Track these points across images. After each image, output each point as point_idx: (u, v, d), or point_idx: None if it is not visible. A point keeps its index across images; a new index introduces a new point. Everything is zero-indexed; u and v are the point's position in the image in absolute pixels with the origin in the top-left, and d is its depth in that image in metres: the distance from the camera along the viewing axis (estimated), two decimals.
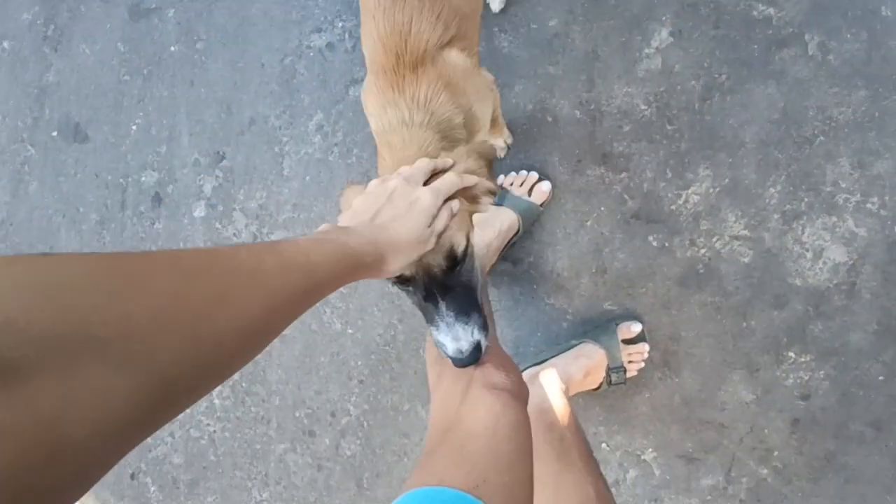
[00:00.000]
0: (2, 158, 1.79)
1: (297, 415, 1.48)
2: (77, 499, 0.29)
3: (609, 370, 1.19)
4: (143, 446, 1.61)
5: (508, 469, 0.56)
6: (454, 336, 0.68)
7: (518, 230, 1.25)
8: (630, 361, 1.21)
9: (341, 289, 1.43)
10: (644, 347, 1.20)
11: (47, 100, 1.73)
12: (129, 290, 0.32)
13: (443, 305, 0.69)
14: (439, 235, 0.67)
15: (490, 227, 1.25)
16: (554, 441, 0.90)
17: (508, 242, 1.27)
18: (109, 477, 1.63)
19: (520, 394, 0.66)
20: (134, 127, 1.65)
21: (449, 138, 0.83)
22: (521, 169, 1.29)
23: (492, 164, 0.81)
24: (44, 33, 1.73)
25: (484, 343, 0.70)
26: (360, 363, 1.43)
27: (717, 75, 1.20)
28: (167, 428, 1.59)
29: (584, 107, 1.28)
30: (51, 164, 1.73)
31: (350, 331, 1.44)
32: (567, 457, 0.87)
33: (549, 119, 1.29)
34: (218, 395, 1.54)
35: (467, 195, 0.73)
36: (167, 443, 1.58)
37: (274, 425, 1.49)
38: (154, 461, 1.59)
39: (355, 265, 0.54)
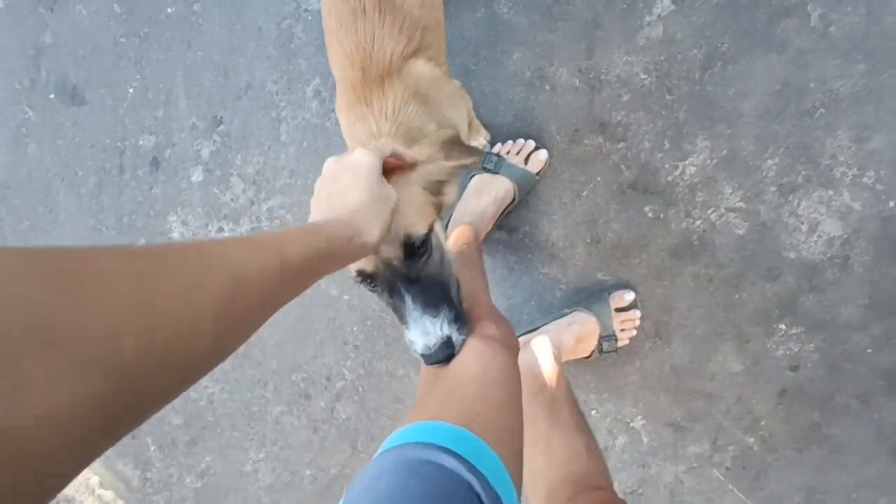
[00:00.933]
0: (0, 120, 1.80)
1: (294, 378, 1.52)
2: None
3: (601, 338, 1.21)
4: None
5: (499, 410, 0.58)
6: (423, 330, 0.65)
7: (514, 199, 1.27)
8: (622, 329, 1.23)
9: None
10: (636, 314, 1.23)
11: (44, 61, 1.73)
12: (80, 280, 0.29)
13: (408, 299, 0.67)
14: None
15: (485, 195, 1.26)
16: (545, 402, 0.93)
17: (504, 211, 1.28)
18: None
19: (510, 344, 0.68)
20: (131, 90, 1.66)
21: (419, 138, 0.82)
22: (518, 137, 1.30)
23: (459, 142, 0.79)
24: None
25: (457, 337, 0.66)
26: (355, 329, 1.46)
27: (718, 45, 1.19)
28: None
29: (584, 75, 1.27)
30: (49, 127, 1.74)
31: (346, 297, 1.47)
32: (558, 415, 0.90)
33: (548, 87, 1.29)
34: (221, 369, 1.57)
35: (431, 187, 0.73)
36: None
37: (271, 388, 1.53)
38: (153, 421, 1.64)
39: (330, 246, 0.53)
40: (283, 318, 1.51)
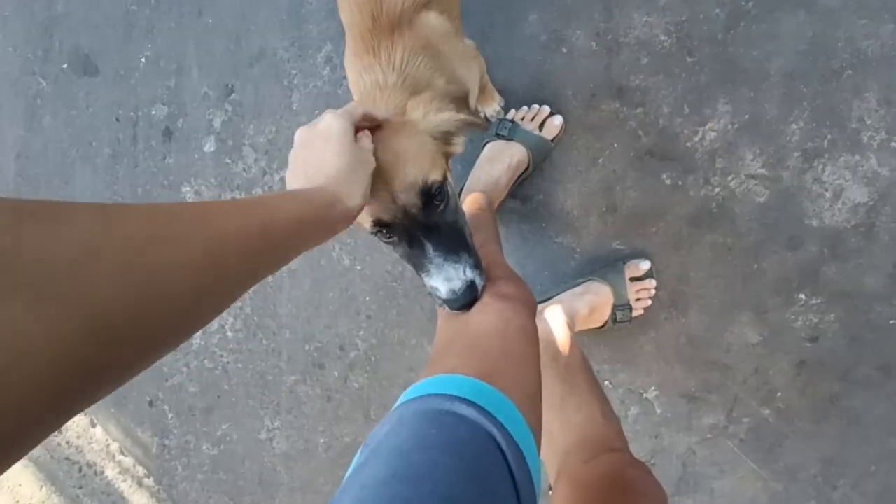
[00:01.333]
0: (15, 90, 1.81)
1: (307, 348, 1.53)
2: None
3: (615, 308, 1.20)
4: (159, 375, 1.69)
5: (519, 366, 0.58)
6: (446, 276, 0.66)
7: (528, 166, 1.25)
8: (637, 299, 1.22)
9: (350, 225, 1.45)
10: (651, 284, 1.21)
11: (56, 31, 1.73)
12: (47, 226, 0.29)
13: (429, 247, 0.67)
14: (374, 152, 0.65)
15: (499, 163, 1.24)
16: (559, 369, 0.93)
17: (518, 179, 1.26)
18: (129, 405, 1.72)
19: (528, 303, 0.68)
20: (143, 59, 1.66)
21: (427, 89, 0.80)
22: (533, 103, 1.27)
23: (466, 102, 0.78)
24: None
25: (479, 282, 0.67)
26: (368, 299, 1.47)
27: (743, 2, 1.15)
28: (182, 359, 1.66)
29: (601, 38, 1.24)
30: (63, 98, 1.75)
31: (358, 267, 1.47)
32: (573, 381, 0.90)
33: (564, 50, 1.26)
34: (231, 328, 1.60)
35: (440, 136, 0.71)
36: (182, 373, 1.66)
37: (285, 358, 1.55)
38: (171, 389, 1.68)
39: (312, 212, 0.53)
40: (296, 288, 1.52)
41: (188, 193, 1.64)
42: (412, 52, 0.80)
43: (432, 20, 0.85)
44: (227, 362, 1.61)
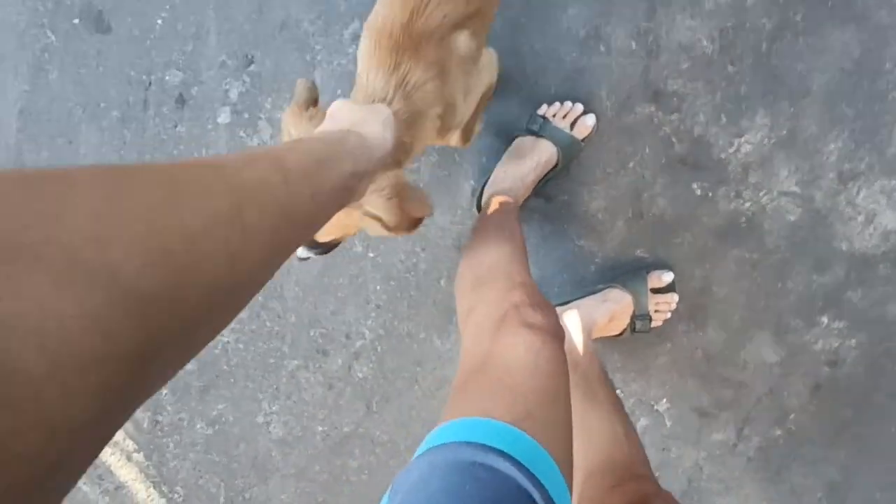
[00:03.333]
0: (21, 42, 1.80)
1: (312, 333, 1.55)
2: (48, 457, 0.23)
3: (634, 317, 1.22)
4: None
5: (551, 404, 0.58)
6: None
7: (556, 164, 1.26)
8: (657, 311, 1.24)
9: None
10: (673, 298, 1.23)
11: None
12: (59, 195, 0.27)
13: None
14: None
15: (527, 160, 1.25)
16: (579, 381, 0.94)
17: (544, 177, 1.28)
18: None
19: (557, 334, 0.68)
20: (159, 21, 1.65)
21: (412, 128, 0.81)
22: (566, 100, 1.28)
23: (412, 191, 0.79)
24: None
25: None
26: (378, 288, 1.48)
27: (791, 14, 1.16)
28: None
29: (642, 38, 1.25)
30: (72, 54, 1.74)
31: (371, 255, 1.48)
32: (593, 396, 0.91)
33: (602, 48, 1.27)
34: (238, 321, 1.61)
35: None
36: None
37: (288, 341, 1.57)
38: None
39: (335, 149, 0.52)
40: (304, 271, 1.53)
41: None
42: (427, 76, 0.80)
43: (461, 41, 0.85)
44: (228, 342, 1.62)
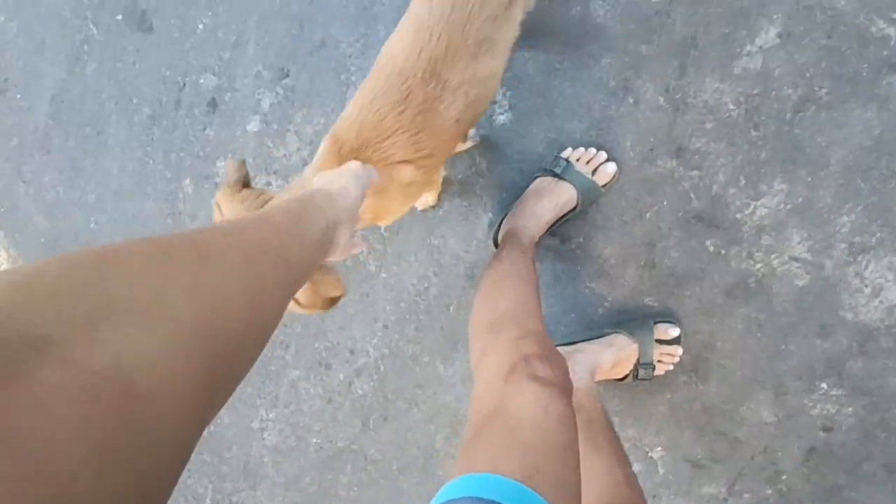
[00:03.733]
0: (63, 31, 1.83)
1: (317, 346, 1.56)
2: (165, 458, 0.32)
3: (638, 364, 1.24)
4: None
5: (561, 460, 0.60)
6: None
7: (575, 207, 1.29)
8: (660, 361, 1.26)
9: (382, 231, 1.47)
10: (678, 351, 1.25)
11: None
12: (118, 273, 0.33)
13: None
14: None
15: (546, 199, 1.28)
16: (582, 424, 0.96)
17: (562, 218, 1.30)
18: None
19: (566, 388, 0.70)
20: (201, 26, 1.68)
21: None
22: (590, 146, 1.31)
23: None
24: None
25: None
26: (388, 308, 1.50)
27: (817, 88, 1.19)
28: None
29: (670, 94, 1.28)
30: (111, 48, 1.78)
31: (384, 275, 1.50)
32: (594, 440, 0.93)
33: (630, 100, 1.30)
34: None
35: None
36: None
37: (292, 351, 1.58)
38: None
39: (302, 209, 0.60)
40: None
41: (222, 169, 1.67)
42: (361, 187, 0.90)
43: (404, 173, 0.93)
44: None
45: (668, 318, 1.28)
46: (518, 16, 0.97)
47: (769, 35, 1.24)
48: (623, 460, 0.92)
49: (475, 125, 1.26)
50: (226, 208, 0.84)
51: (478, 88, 0.94)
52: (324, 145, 0.96)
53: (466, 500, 0.52)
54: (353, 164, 0.78)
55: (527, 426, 0.63)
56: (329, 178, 0.74)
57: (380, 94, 0.92)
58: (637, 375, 1.25)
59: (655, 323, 1.26)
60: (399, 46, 0.92)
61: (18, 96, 1.89)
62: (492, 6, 0.89)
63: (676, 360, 1.26)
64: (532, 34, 1.39)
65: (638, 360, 1.24)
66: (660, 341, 1.26)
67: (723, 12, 1.26)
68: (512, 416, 0.65)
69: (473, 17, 0.88)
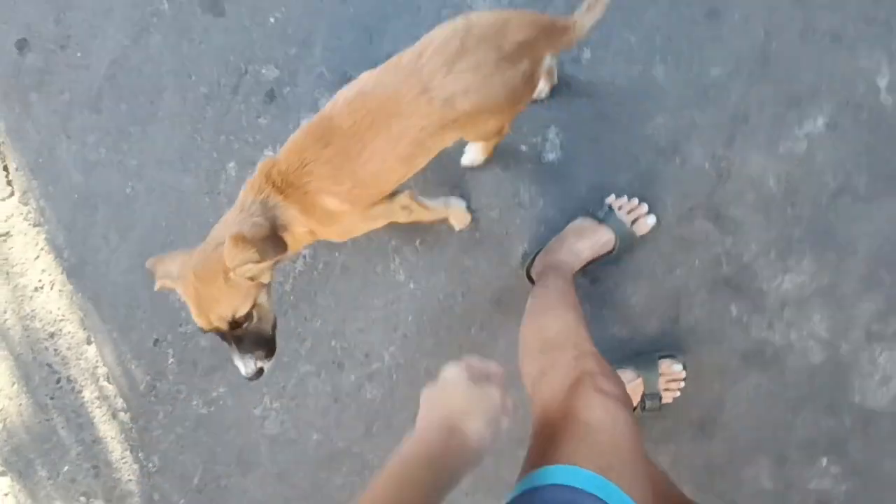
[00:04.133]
0: (134, 1, 1.87)
1: (333, 344, 1.57)
2: None
3: (644, 395, 1.27)
4: (173, 318, 1.71)
5: (631, 461, 0.64)
6: (244, 364, 1.04)
7: (611, 251, 1.33)
8: (666, 389, 1.29)
9: (416, 244, 1.50)
10: (682, 375, 1.28)
11: None
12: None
13: (234, 346, 1.03)
14: None
15: (585, 239, 1.33)
16: None
17: (597, 258, 1.34)
18: (133, 335, 1.74)
19: (627, 402, 0.75)
20: (272, 19, 1.73)
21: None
22: (633, 196, 1.37)
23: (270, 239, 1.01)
24: None
25: (266, 367, 1.09)
26: (410, 318, 1.52)
27: (855, 181, 1.26)
28: None
29: (715, 162, 1.34)
30: (179, 25, 1.81)
31: (412, 286, 1.53)
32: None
33: (677, 161, 1.36)
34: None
35: (252, 275, 0.97)
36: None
37: (307, 345, 1.59)
38: (181, 336, 1.70)
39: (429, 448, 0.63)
40: (342, 282, 1.57)
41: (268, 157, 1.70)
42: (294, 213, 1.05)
43: (328, 203, 1.04)
44: None
45: (671, 353, 1.32)
46: (449, 140, 1.05)
47: (817, 123, 1.31)
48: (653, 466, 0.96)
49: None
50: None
51: (397, 161, 1.04)
52: (259, 165, 1.08)
53: (551, 487, 0.56)
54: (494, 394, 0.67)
55: (598, 430, 0.67)
56: (463, 406, 0.65)
57: (310, 131, 1.05)
58: (645, 407, 1.28)
59: (660, 358, 1.30)
60: (341, 98, 1.03)
61: (78, 54, 1.91)
62: (426, 120, 0.97)
63: (682, 385, 1.29)
64: (593, 84, 1.46)
65: (644, 391, 1.28)
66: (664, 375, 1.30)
67: (776, 94, 1.33)
68: (582, 422, 0.69)
69: (403, 115, 0.97)
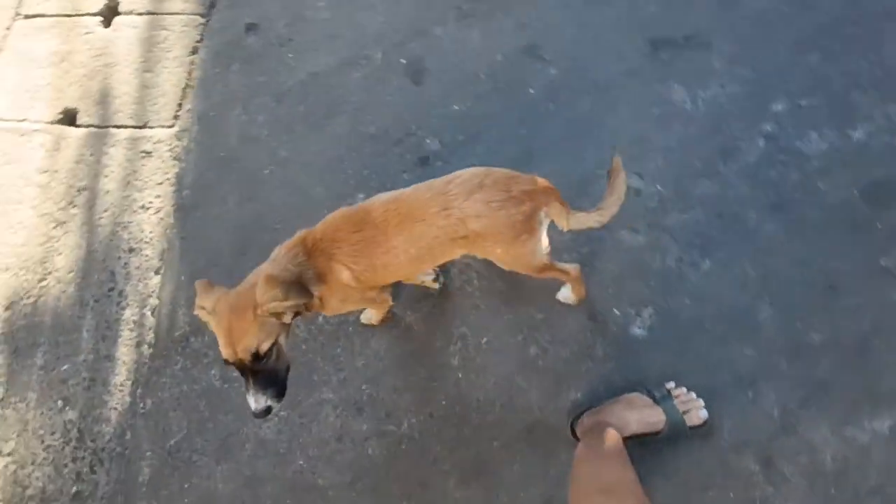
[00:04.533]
0: (350, 43, 2.16)
1: (363, 387, 1.60)
2: None
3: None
4: None
5: None
6: (255, 399, 1.13)
7: (659, 433, 1.36)
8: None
9: (482, 341, 1.56)
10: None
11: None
12: None
13: (251, 380, 1.13)
14: None
15: (637, 412, 1.37)
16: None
17: (643, 435, 1.37)
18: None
19: None
20: (456, 107, 1.97)
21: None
22: (692, 391, 1.41)
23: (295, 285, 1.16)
24: None
25: (275, 406, 1.16)
26: (444, 403, 1.55)
27: (890, 490, 1.28)
28: None
29: (785, 414, 1.40)
30: (380, 74, 2.08)
31: (460, 375, 1.57)
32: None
33: (750, 394, 1.43)
34: (325, 320, 1.69)
35: (276, 311, 1.11)
36: None
37: (341, 376, 1.62)
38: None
39: None
40: (398, 342, 1.63)
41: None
42: (314, 265, 1.22)
43: (343, 275, 1.23)
44: (302, 335, 1.69)
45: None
46: (457, 252, 1.31)
47: (884, 425, 1.36)
48: None
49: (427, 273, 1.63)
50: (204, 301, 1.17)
51: (407, 260, 1.26)
52: (298, 233, 1.27)
53: None
54: None
55: None
56: None
57: (348, 215, 1.26)
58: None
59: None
60: (382, 198, 1.26)
61: (290, 55, 2.19)
62: (441, 231, 1.21)
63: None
64: (702, 291, 1.57)
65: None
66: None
67: (861, 384, 1.40)
68: None
69: (425, 222, 1.20)
